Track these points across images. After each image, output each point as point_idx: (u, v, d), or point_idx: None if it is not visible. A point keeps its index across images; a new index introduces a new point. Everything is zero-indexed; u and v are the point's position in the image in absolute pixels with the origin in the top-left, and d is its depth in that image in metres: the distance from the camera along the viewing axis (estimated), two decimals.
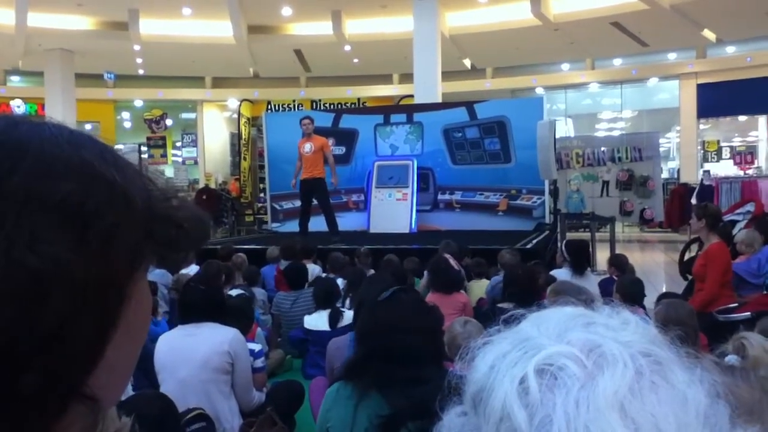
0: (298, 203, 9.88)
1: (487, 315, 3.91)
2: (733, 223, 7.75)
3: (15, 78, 20.07)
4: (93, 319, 0.46)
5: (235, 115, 19.93)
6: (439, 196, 12.13)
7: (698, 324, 3.18)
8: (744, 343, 1.55)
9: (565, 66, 19.23)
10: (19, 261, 0.42)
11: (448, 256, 5.90)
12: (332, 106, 18.39)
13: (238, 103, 19.58)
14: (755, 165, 17.71)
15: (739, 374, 1.16)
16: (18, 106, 18.05)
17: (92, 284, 0.45)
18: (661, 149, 16.58)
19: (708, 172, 16.54)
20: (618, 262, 6.01)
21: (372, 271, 5.93)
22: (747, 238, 5.89)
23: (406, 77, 16.82)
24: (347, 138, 12.67)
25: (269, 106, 19.37)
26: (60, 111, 16.01)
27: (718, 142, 18.58)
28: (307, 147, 9.05)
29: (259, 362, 3.60)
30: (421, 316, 2.25)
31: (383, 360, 2.07)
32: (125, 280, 0.48)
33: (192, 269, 5.90)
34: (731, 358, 1.54)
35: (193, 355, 3.17)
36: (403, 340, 2.09)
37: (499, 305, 3.93)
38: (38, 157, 0.46)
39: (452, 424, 0.52)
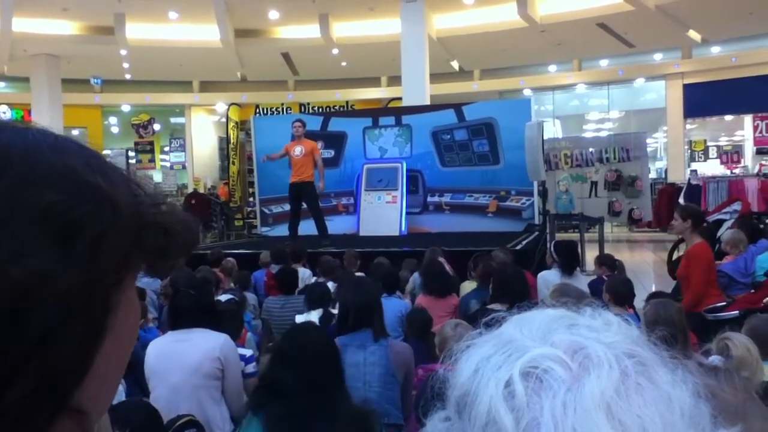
0: (287, 207, 9.85)
1: (475, 317, 3.90)
2: (720, 222, 7.80)
3: (0, 84, 19.91)
4: (79, 331, 0.44)
5: (224, 119, 19.85)
6: (429, 199, 12.13)
7: (687, 323, 3.19)
8: (728, 344, 1.55)
9: (552, 67, 19.33)
10: (1, 274, 0.41)
11: (441, 259, 5.92)
12: (321, 110, 18.34)
13: (226, 107, 19.51)
14: (742, 164, 17.86)
15: (723, 376, 1.16)
16: (4, 112, 17.90)
17: (78, 295, 0.44)
18: (649, 149, 16.66)
19: (695, 171, 16.66)
20: (607, 261, 6.02)
21: (362, 274, 5.91)
22: (732, 239, 5.91)
23: (395, 80, 16.85)
24: (336, 141, 12.66)
25: (257, 110, 19.31)
26: (47, 116, 15.87)
27: (705, 141, 18.74)
28: (297, 150, 9.02)
29: (251, 367, 3.58)
30: (314, 346, 2.32)
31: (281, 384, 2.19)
32: (112, 289, 0.47)
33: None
34: (715, 359, 1.54)
35: (183, 361, 3.14)
36: (292, 371, 2.19)
37: (489, 306, 3.93)
38: (21, 165, 0.44)
39: (436, 429, 0.52)
